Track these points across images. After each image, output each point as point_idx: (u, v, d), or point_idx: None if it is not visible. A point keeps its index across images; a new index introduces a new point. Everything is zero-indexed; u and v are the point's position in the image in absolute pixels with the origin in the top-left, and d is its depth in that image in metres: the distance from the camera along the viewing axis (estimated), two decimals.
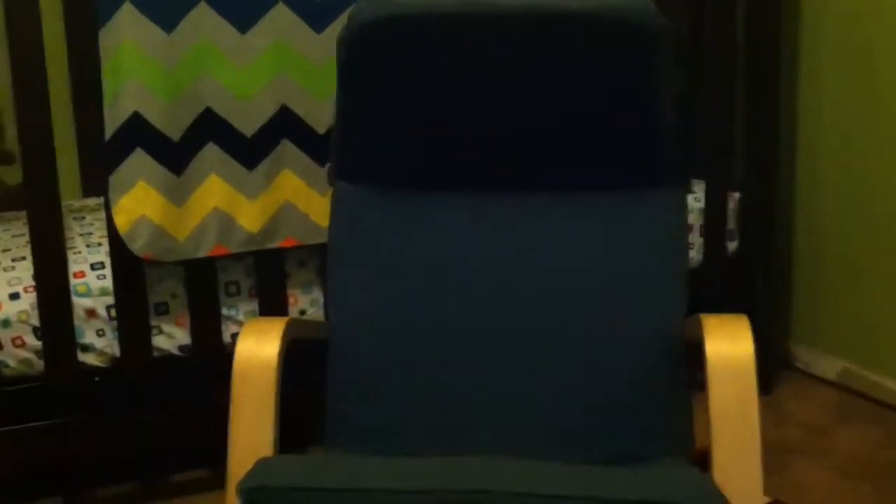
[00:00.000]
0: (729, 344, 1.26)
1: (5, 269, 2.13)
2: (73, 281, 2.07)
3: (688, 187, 1.68)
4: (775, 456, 2.29)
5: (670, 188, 1.62)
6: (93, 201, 2.82)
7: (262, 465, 1.18)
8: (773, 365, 2.70)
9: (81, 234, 2.35)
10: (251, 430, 1.30)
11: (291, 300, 2.25)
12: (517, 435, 1.52)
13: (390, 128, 1.62)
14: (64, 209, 2.09)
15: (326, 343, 1.62)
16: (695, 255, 2.54)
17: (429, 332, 1.59)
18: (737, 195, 2.64)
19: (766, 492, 1.22)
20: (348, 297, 1.64)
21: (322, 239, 2.17)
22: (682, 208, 1.64)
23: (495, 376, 1.56)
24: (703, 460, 1.42)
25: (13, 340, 2.04)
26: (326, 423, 1.60)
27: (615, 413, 1.54)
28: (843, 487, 2.18)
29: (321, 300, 2.28)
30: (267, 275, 2.21)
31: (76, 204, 2.76)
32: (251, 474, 1.15)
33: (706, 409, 1.25)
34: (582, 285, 1.58)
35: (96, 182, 2.91)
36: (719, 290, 2.56)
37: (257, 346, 1.34)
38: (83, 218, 2.55)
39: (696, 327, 1.34)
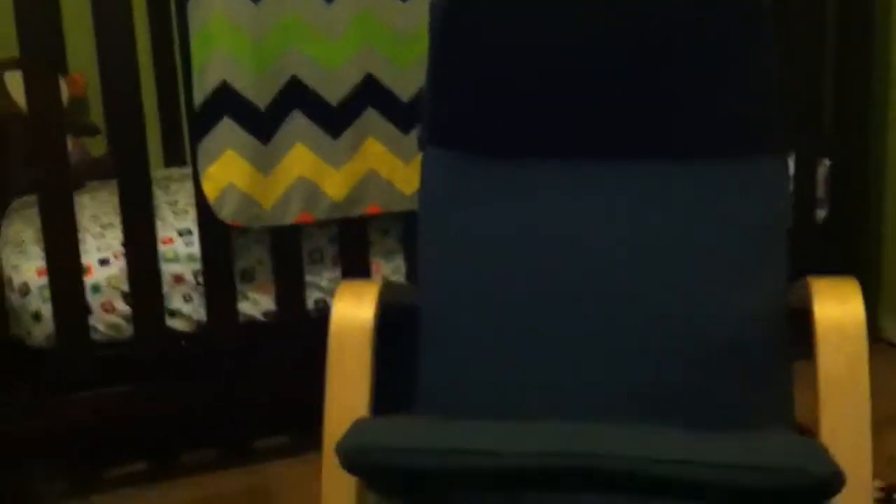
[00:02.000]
0: (839, 307, 1.22)
1: (94, 236, 2.16)
2: (160, 247, 2.09)
3: (787, 155, 1.63)
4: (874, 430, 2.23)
5: (773, 155, 1.57)
6: (176, 171, 2.85)
7: (360, 425, 1.17)
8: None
9: (168, 203, 2.37)
10: (348, 392, 1.29)
11: (374, 268, 2.25)
12: (614, 404, 1.49)
13: (484, 93, 1.60)
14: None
15: (417, 310, 1.60)
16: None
17: (524, 302, 1.57)
18: (827, 162, 2.57)
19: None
20: (439, 264, 1.62)
21: (405, 206, 2.17)
22: (784, 174, 1.60)
23: (593, 346, 1.53)
24: (802, 432, 1.39)
25: (103, 305, 2.07)
26: (417, 392, 1.59)
27: (715, 381, 1.50)
28: None
29: (404, 268, 2.27)
30: (350, 242, 2.21)
31: (160, 173, 2.79)
32: (350, 435, 1.15)
33: (807, 380, 1.21)
34: (684, 253, 1.55)
35: (178, 152, 2.96)
36: (808, 258, 2.50)
37: (353, 308, 1.33)
38: (168, 187, 2.57)
39: (802, 291, 1.30)
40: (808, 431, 1.29)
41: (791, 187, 2.49)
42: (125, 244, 2.05)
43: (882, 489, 2.00)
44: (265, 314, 2.19)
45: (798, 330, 1.38)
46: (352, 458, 1.13)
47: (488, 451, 1.09)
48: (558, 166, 1.60)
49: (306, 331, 2.15)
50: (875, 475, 2.05)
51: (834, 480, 1.02)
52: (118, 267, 2.08)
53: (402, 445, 1.11)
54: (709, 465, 1.01)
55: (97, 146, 2.91)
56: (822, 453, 1.05)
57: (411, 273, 2.25)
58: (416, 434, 1.13)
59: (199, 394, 2.18)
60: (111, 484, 2.17)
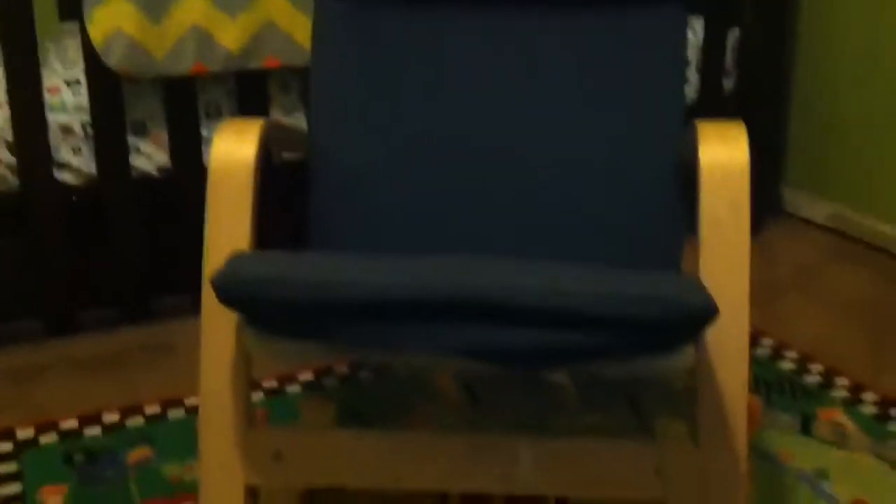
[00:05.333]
0: (723, 149, 1.21)
1: None
2: (47, 97, 2.00)
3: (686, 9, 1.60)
4: (762, 293, 2.28)
5: (672, 4, 1.55)
6: (69, 26, 2.71)
7: (236, 258, 1.14)
8: (764, 208, 2.67)
9: (57, 55, 2.27)
10: (228, 231, 1.26)
11: None
12: (508, 239, 1.49)
13: None
14: (39, 31, 2.00)
15: (307, 163, 1.57)
16: (690, 92, 2.48)
17: (420, 143, 1.55)
18: (736, 31, 2.56)
19: (751, 325, 1.19)
20: (332, 107, 1.58)
21: (306, 60, 2.10)
22: (683, 25, 1.58)
23: (486, 183, 1.53)
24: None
25: None
26: (308, 235, 1.56)
27: (604, 227, 1.50)
28: (828, 323, 2.18)
29: (305, 125, 2.21)
30: (249, 97, 2.14)
31: (52, 27, 2.66)
32: (225, 267, 1.11)
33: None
34: (578, 103, 1.53)
35: (72, 7, 2.82)
36: None
37: (234, 146, 1.29)
38: (60, 41, 2.45)
39: (692, 136, 1.29)
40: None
41: (698, 55, 2.47)
42: (8, 92, 1.95)
43: (773, 347, 2.05)
44: (159, 169, 2.12)
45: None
46: (225, 288, 1.11)
47: (360, 283, 1.07)
48: (452, 10, 1.56)
49: (203, 187, 2.08)
50: (764, 332, 2.10)
51: (707, 311, 1.03)
52: (2, 116, 1.99)
53: (275, 276, 1.08)
54: (577, 294, 1.01)
55: None
56: (697, 286, 1.05)
57: None
58: (292, 266, 1.10)
59: (93, 251, 2.12)
60: (2, 341, 2.12)
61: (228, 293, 1.10)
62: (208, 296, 1.21)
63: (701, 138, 1.23)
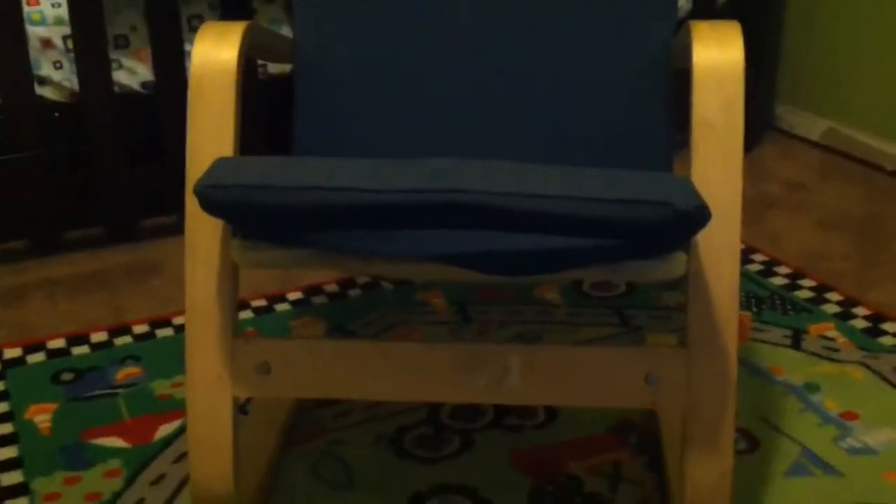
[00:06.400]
0: (717, 49, 1.18)
1: None
2: (26, 8, 1.95)
3: None
4: (753, 210, 2.27)
5: None
6: None
7: (219, 163, 1.11)
8: (756, 124, 2.64)
9: None
10: (210, 137, 1.22)
11: None
12: (497, 148, 1.47)
13: None
14: None
15: (294, 74, 1.53)
16: (683, 4, 2.43)
17: (408, 51, 1.51)
18: None
19: (742, 240, 1.17)
20: (317, 29, 1.54)
21: None
22: None
23: (474, 91, 1.50)
24: None
25: None
26: (293, 143, 1.53)
27: (594, 135, 1.48)
28: (818, 238, 2.16)
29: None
30: (232, 8, 2.09)
31: None
32: (207, 173, 1.09)
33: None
34: (567, 13, 1.50)
35: None
36: None
37: (215, 49, 1.24)
38: None
39: (685, 38, 1.26)
40: None
41: None
42: None
43: (764, 263, 2.04)
44: (143, 84, 2.08)
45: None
46: (208, 195, 1.08)
47: (353, 188, 1.04)
48: None
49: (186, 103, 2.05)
50: (755, 248, 2.09)
51: (699, 214, 1.01)
52: None
53: (259, 181, 1.06)
54: (569, 197, 0.98)
55: None
56: (690, 188, 1.03)
57: None
58: (277, 170, 1.08)
59: (77, 170, 2.08)
60: None
61: (211, 200, 1.07)
62: (192, 205, 1.19)
63: (694, 38, 1.20)
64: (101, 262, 2.10)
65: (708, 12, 2.46)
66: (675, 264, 1.13)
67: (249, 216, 1.11)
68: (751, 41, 2.53)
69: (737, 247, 1.15)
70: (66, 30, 1.98)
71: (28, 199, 2.06)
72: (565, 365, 1.21)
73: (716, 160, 1.14)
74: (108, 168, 2.09)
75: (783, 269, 2.02)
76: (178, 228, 2.16)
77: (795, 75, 2.70)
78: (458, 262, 1.13)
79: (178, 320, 1.86)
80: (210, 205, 1.09)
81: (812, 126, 2.66)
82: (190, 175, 1.21)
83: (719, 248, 1.14)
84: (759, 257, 2.07)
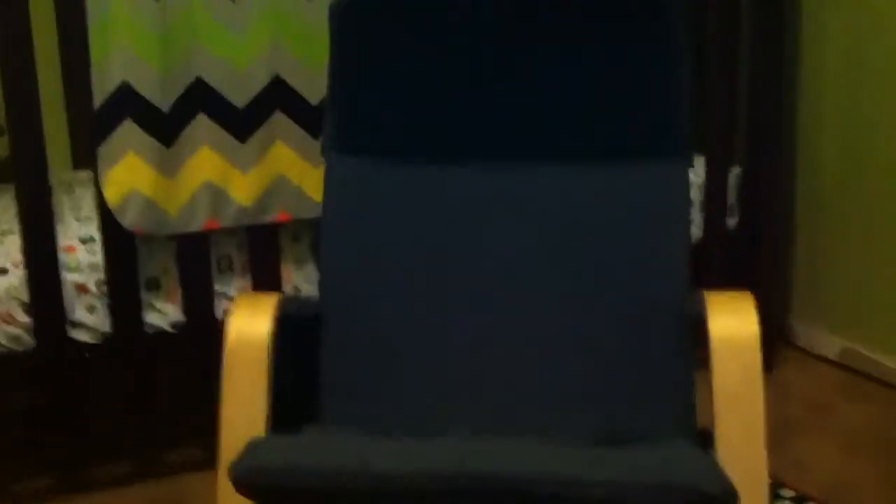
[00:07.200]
0: (733, 322, 1.23)
1: None
2: (62, 256, 2.03)
3: (691, 160, 1.64)
4: (776, 434, 2.26)
5: (676, 159, 1.58)
6: (84, 174, 2.76)
7: (253, 445, 1.14)
8: (775, 342, 2.67)
9: (71, 209, 2.31)
10: (243, 409, 1.26)
11: (285, 276, 2.21)
12: (515, 411, 1.49)
13: (383, 99, 1.58)
14: (53, 182, 2.05)
15: (320, 319, 1.58)
16: (695, 230, 2.50)
17: (426, 307, 1.56)
18: (737, 170, 2.60)
19: (769, 472, 1.18)
20: (341, 272, 1.60)
21: (316, 213, 2.12)
22: (686, 180, 1.60)
23: (494, 350, 1.53)
24: (704, 439, 1.39)
25: (2, 316, 2.00)
26: (319, 400, 1.56)
27: (614, 387, 1.50)
28: (845, 465, 2.15)
29: (315, 276, 2.23)
30: (260, 249, 2.17)
31: (66, 177, 2.71)
32: (242, 455, 1.12)
33: (708, 387, 1.22)
34: (584, 256, 1.55)
35: (87, 154, 2.87)
36: (719, 265, 2.53)
37: (249, 323, 1.30)
38: (73, 191, 2.50)
39: (699, 304, 1.30)
40: (711, 437, 1.28)
41: (701, 194, 2.51)
42: (24, 253, 1.98)
43: (793, 499, 2.02)
44: (173, 325, 2.14)
45: (699, 338, 1.38)
46: (244, 480, 1.11)
47: (382, 474, 1.07)
48: (458, 170, 1.59)
49: (217, 341, 2.10)
50: (783, 481, 2.07)
51: (726, 499, 1.02)
52: (17, 276, 2.01)
53: (293, 467, 1.09)
54: (598, 483, 1.00)
55: (3, 146, 2.82)
56: (716, 470, 1.05)
57: None
58: (309, 454, 1.11)
59: (106, 406, 2.12)
60: (14, 499, 2.10)
61: (246, 483, 1.10)
62: (223, 480, 1.21)
63: (710, 310, 1.24)
64: (128, 499, 2.10)
65: (720, 235, 2.53)
66: None
67: (284, 498, 1.13)
68: (764, 260, 2.61)
69: None
70: (101, 275, 2.05)
71: (57, 437, 2.08)
72: None
73: (739, 434, 1.17)
74: (136, 403, 2.12)
75: None
76: (202, 462, 2.18)
77: (810, 294, 2.75)
78: None
79: None
80: (244, 487, 1.11)
81: (829, 344, 2.69)
82: (223, 448, 1.24)
83: None
84: (787, 492, 2.04)
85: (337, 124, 1.61)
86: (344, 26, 1.51)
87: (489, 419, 1.46)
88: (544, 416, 1.47)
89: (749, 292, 1.29)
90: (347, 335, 1.57)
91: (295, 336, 1.46)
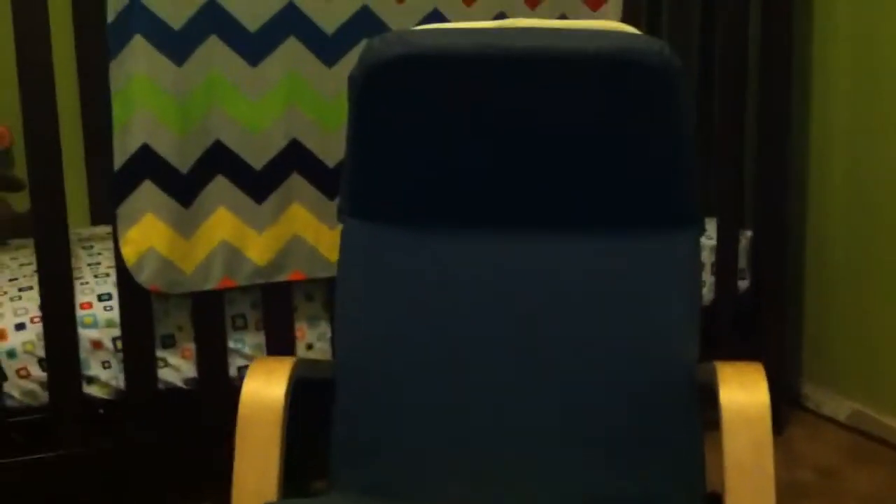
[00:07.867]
0: (744, 393, 1.24)
1: (12, 299, 2.12)
2: (79, 312, 2.06)
3: (702, 227, 1.66)
4: (785, 498, 2.26)
5: (686, 228, 1.60)
6: (102, 230, 2.81)
7: None
8: (784, 405, 2.67)
9: (89, 264, 2.34)
10: (256, 474, 1.28)
11: (298, 334, 2.23)
12: (526, 478, 1.50)
13: (401, 166, 1.61)
14: (72, 237, 2.09)
15: (334, 382, 1.60)
16: (706, 292, 2.52)
17: (440, 372, 1.58)
18: (748, 233, 2.62)
19: None
20: (356, 337, 1.62)
21: (330, 273, 2.16)
22: (698, 248, 1.63)
23: (505, 418, 1.54)
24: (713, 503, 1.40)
25: (18, 371, 2.03)
26: (331, 461, 1.58)
27: (623, 452, 1.51)
28: None
29: (328, 334, 2.26)
30: (274, 308, 2.19)
31: (85, 232, 2.75)
32: None
33: (718, 451, 1.23)
34: (594, 324, 1.57)
35: (105, 209, 2.91)
36: (730, 327, 2.54)
37: (264, 387, 1.32)
38: (91, 247, 2.53)
39: (710, 373, 1.32)
40: (720, 501, 1.29)
41: (710, 257, 2.53)
42: (42, 308, 2.01)
43: None
44: (186, 381, 2.15)
45: (708, 401, 1.40)
46: None
47: None
48: (473, 238, 1.62)
49: (230, 399, 2.12)
50: None
51: None
52: (34, 332, 2.04)
53: None
54: None
55: (23, 201, 2.86)
56: None
57: None
58: None
59: (119, 463, 2.13)
60: None
61: None
62: None
63: (720, 381, 1.26)
64: None
65: (730, 300, 2.55)
66: None
67: None
68: (774, 322, 2.61)
69: None
70: (116, 331, 2.08)
71: (70, 493, 2.09)
72: None
73: (749, 501, 1.18)
74: (149, 460, 2.13)
75: None
76: None
77: (820, 356, 2.76)
78: None
79: None
80: None
81: (838, 407, 2.69)
82: None
83: None
84: None
85: (353, 190, 1.64)
86: (362, 94, 1.55)
87: (500, 486, 1.47)
88: (555, 483, 1.48)
89: (759, 363, 1.30)
90: (359, 399, 1.58)
91: (307, 397, 1.47)
